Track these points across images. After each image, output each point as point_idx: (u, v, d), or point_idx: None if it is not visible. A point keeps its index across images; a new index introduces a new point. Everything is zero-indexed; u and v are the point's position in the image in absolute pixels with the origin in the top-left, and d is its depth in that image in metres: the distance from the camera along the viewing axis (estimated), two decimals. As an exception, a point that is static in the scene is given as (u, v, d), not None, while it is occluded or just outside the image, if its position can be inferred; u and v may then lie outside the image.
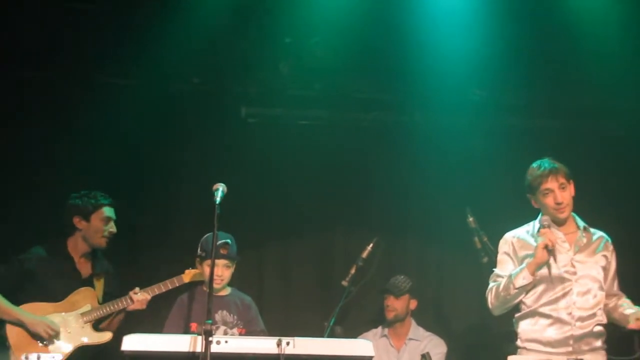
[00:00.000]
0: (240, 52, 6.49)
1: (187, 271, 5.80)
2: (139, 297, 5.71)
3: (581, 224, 5.25)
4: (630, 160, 7.01)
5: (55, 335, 5.56)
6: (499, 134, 7.09)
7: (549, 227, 5.10)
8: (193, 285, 5.81)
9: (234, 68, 6.64)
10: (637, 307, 5.11)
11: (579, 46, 6.26)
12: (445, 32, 6.20)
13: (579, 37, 6.18)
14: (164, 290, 5.77)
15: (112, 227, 5.86)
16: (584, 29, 6.14)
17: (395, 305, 6.60)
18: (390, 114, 7.14)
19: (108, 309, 5.73)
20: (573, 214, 5.26)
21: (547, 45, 6.39)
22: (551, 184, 5.11)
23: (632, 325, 4.98)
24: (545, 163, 5.17)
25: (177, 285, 5.78)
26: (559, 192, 5.12)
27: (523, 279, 5.07)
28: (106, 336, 5.75)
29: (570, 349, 5.02)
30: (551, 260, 5.05)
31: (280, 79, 6.70)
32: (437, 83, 6.63)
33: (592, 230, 5.27)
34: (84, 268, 5.87)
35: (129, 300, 5.72)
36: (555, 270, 5.05)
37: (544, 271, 5.07)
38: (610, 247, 5.27)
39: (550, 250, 5.00)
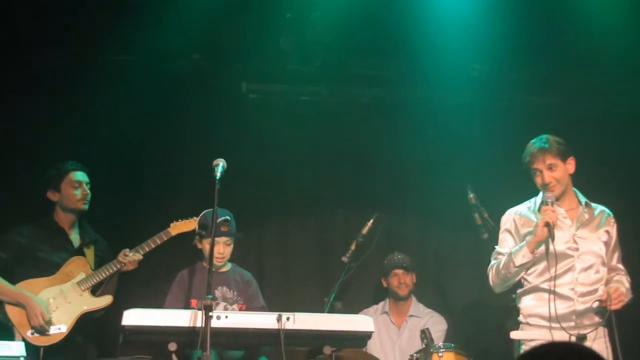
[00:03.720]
0: (240, 28, 6.45)
1: (172, 224, 5.78)
2: (130, 259, 5.69)
3: (582, 199, 5.24)
4: (632, 137, 6.99)
5: (48, 322, 5.54)
6: (500, 110, 7.07)
7: (552, 203, 5.07)
8: (193, 261, 5.81)
9: (235, 44, 6.60)
10: (618, 284, 5.11)
11: (581, 21, 6.22)
12: (446, 8, 6.17)
13: (581, 12, 6.15)
14: (153, 246, 5.73)
15: (84, 190, 5.83)
16: (585, 4, 6.11)
17: (407, 280, 6.60)
18: (391, 90, 7.12)
19: (102, 274, 5.71)
20: (574, 189, 5.25)
21: (548, 20, 6.35)
22: (538, 164, 5.10)
23: (603, 295, 5.01)
24: (538, 142, 5.14)
25: (165, 239, 5.75)
26: (547, 172, 5.09)
27: (523, 257, 5.06)
28: (106, 300, 5.75)
29: (572, 323, 5.02)
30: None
31: (281, 54, 6.67)
32: (437, 59, 6.60)
33: (593, 205, 5.26)
34: (74, 239, 5.88)
35: (121, 263, 5.71)
36: (557, 247, 5.03)
37: (545, 248, 5.05)
38: (612, 221, 5.25)
39: (550, 228, 4.99)
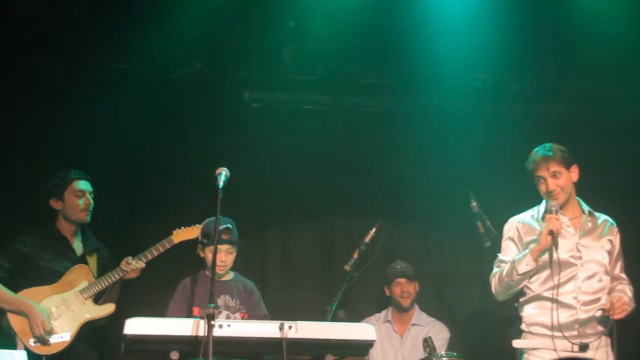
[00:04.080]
0: (243, 37, 6.47)
1: (174, 232, 5.79)
2: (133, 267, 5.70)
3: (586, 208, 5.24)
4: (635, 145, 6.99)
5: (48, 332, 5.55)
6: (502, 119, 7.09)
7: (556, 212, 5.06)
8: (195, 269, 5.81)
9: (237, 52, 6.63)
10: (621, 294, 5.10)
11: (583, 31, 6.24)
12: (448, 17, 6.19)
13: (582, 21, 6.16)
14: (156, 254, 5.74)
15: (87, 200, 5.83)
16: (587, 13, 6.12)
17: (410, 289, 6.59)
18: (393, 99, 7.13)
19: (105, 283, 5.72)
20: (578, 197, 5.25)
21: (550, 30, 6.36)
22: (542, 172, 5.10)
23: (606, 304, 5.01)
24: (541, 150, 5.15)
25: (168, 247, 5.77)
26: (551, 180, 5.09)
27: (526, 265, 5.06)
28: (109, 308, 5.76)
29: (575, 332, 5.01)
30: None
31: (284, 63, 6.68)
32: (439, 68, 6.63)
33: (596, 214, 5.25)
34: (77, 247, 5.88)
35: (124, 271, 5.71)
36: (560, 255, 5.03)
37: (549, 256, 5.05)
38: (615, 230, 5.25)
39: (554, 236, 4.99)
